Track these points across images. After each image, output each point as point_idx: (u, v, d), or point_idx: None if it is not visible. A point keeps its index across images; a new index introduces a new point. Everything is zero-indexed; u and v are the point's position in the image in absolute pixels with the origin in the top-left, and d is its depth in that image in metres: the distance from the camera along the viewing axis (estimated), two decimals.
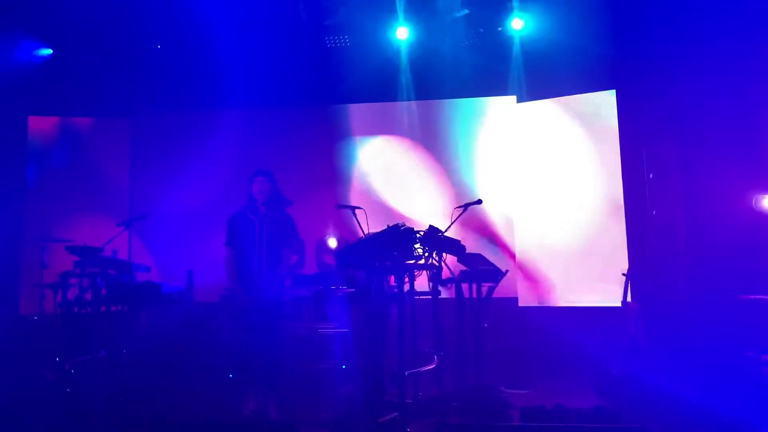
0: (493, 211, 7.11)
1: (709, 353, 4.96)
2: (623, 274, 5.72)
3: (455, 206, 5.24)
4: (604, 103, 6.91)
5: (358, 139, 7.62)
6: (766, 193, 5.22)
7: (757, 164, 5.47)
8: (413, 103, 7.41)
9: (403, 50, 7.28)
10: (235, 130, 7.65)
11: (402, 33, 7.14)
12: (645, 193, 6.44)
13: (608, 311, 6.03)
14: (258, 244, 4.44)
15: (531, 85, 7.11)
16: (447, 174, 7.40)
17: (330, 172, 7.58)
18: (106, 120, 7.67)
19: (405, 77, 7.28)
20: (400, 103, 7.42)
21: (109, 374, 4.51)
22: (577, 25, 6.52)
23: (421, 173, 7.44)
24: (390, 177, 7.49)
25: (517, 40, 7.10)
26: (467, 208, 5.12)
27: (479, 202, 5.24)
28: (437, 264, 4.73)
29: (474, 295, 5.08)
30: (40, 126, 7.52)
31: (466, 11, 6.64)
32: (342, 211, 5.68)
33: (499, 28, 7.07)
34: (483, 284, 5.09)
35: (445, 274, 4.96)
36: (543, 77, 7.04)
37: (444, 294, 5.19)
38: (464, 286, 5.15)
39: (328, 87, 7.37)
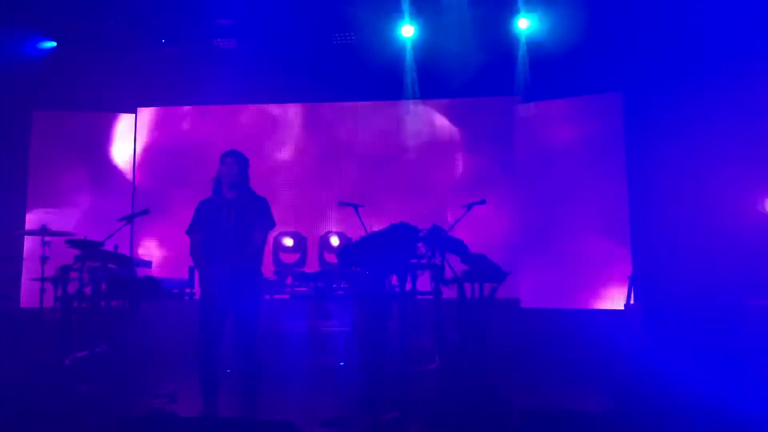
0: (497, 210, 7.06)
1: (714, 357, 4.92)
2: (627, 277, 5.67)
3: (459, 205, 5.20)
4: (610, 104, 6.87)
5: (361, 136, 7.59)
6: None
7: (764, 167, 5.42)
8: (418, 102, 7.38)
9: (409, 48, 7.24)
10: (238, 126, 7.65)
11: (407, 31, 7.11)
12: (649, 195, 6.40)
13: (611, 314, 5.98)
14: (225, 229, 4.05)
15: (536, 85, 7.07)
16: (451, 172, 7.37)
17: (333, 170, 7.55)
18: (109, 114, 7.65)
19: (410, 75, 7.25)
20: (404, 101, 7.38)
21: (108, 369, 4.49)
22: (583, 25, 6.47)
23: (425, 171, 7.41)
24: (393, 175, 7.45)
25: (523, 40, 7.06)
26: (471, 207, 5.08)
27: (483, 201, 5.20)
28: (440, 263, 4.70)
29: (476, 295, 5.04)
30: (44, 120, 7.50)
31: None
32: (344, 208, 5.66)
33: (505, 28, 7.04)
34: (486, 284, 5.05)
35: (448, 273, 4.92)
36: (548, 77, 6.99)
37: (446, 294, 5.15)
38: (467, 286, 5.11)
39: (333, 84, 7.34)
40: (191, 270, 6.15)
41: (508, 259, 6.83)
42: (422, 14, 7.01)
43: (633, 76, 6.64)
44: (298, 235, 7.01)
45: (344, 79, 7.27)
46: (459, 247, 4.81)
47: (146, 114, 7.80)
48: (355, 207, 5.66)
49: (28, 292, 6.09)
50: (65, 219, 6.92)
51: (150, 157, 7.73)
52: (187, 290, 5.64)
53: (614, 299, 6.24)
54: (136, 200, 7.54)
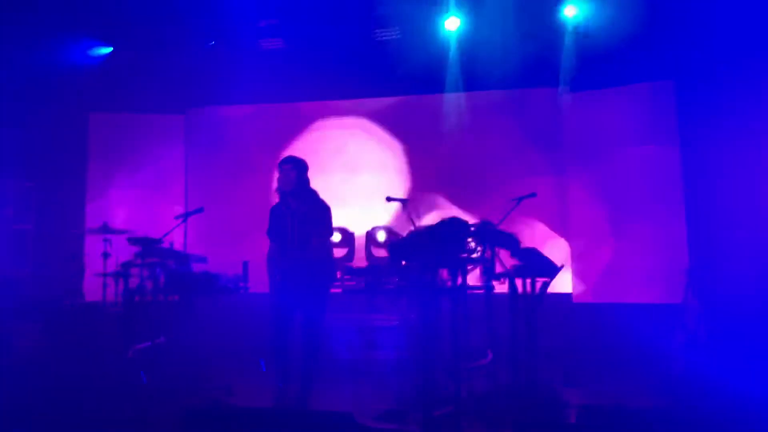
0: (548, 204, 6.96)
1: None
2: (683, 270, 5.52)
3: (509, 199, 5.16)
4: (661, 92, 6.68)
5: (407, 131, 7.60)
6: None
7: None
8: (462, 95, 7.32)
9: (453, 41, 7.20)
10: (286, 123, 7.77)
11: (452, 23, 7.07)
12: (706, 186, 6.21)
13: (667, 308, 5.84)
14: (290, 236, 4.32)
15: (583, 75, 6.92)
16: (499, 166, 7.30)
17: (379, 164, 7.59)
18: (161, 115, 7.88)
19: (455, 68, 7.21)
20: (448, 94, 7.34)
21: (168, 360, 4.65)
22: (632, 11, 6.30)
23: (472, 165, 7.36)
24: (441, 169, 7.44)
25: (569, 29, 6.93)
26: (521, 201, 5.04)
27: (533, 195, 5.15)
28: (490, 258, 4.68)
29: (528, 290, 4.99)
30: (100, 121, 7.78)
31: None
32: (392, 203, 5.70)
33: (552, 16, 6.92)
34: (537, 279, 4.99)
35: (498, 268, 4.89)
36: (596, 66, 6.85)
37: (497, 289, 5.13)
38: (518, 281, 5.06)
39: (377, 80, 7.38)
40: (245, 265, 6.31)
41: (559, 253, 6.78)
42: (466, 6, 6.96)
43: (684, 63, 6.45)
44: (345, 231, 7.08)
45: (389, 73, 7.29)
46: (509, 242, 4.77)
47: (196, 114, 7.99)
48: (403, 202, 5.70)
49: (91, 287, 6.35)
50: (123, 217, 7.19)
51: (201, 156, 7.93)
52: (241, 284, 5.79)
53: (670, 293, 6.09)
54: (189, 198, 7.76)
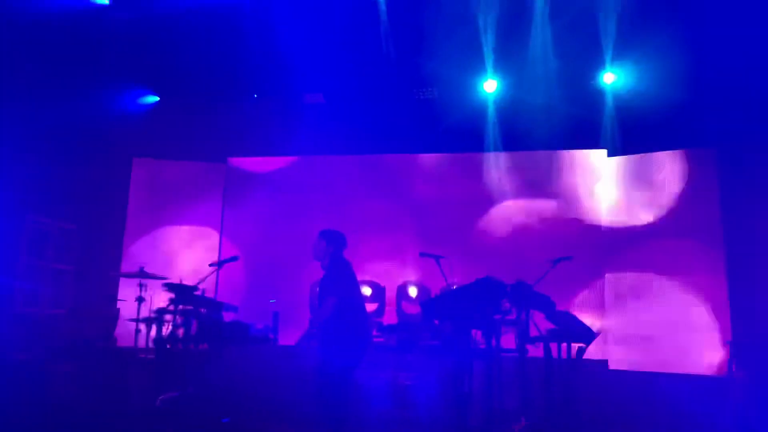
0: (584, 267, 6.83)
1: None
2: (726, 342, 5.32)
3: (544, 260, 5.09)
4: (701, 160, 6.62)
5: (443, 188, 7.61)
6: None
7: None
8: (500, 155, 7.35)
9: (491, 102, 7.31)
10: (322, 177, 7.87)
11: (490, 86, 7.19)
12: (749, 256, 6.04)
13: (709, 380, 5.60)
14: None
15: (623, 139, 6.93)
16: (535, 227, 7.24)
17: (413, 220, 7.58)
18: (202, 163, 8.08)
19: (493, 129, 7.28)
20: (486, 154, 7.38)
21: (197, 410, 4.61)
22: (672, 78, 6.33)
23: (509, 225, 7.31)
24: (476, 228, 7.40)
25: (609, 94, 6.98)
26: (558, 263, 4.96)
27: (570, 258, 5.07)
28: (525, 320, 4.58)
29: (563, 354, 4.85)
30: (143, 167, 8.01)
31: None
32: (425, 259, 5.65)
33: (591, 82, 7.00)
34: (572, 344, 4.86)
35: (533, 331, 4.79)
36: (636, 131, 6.85)
37: (531, 353, 5.00)
38: (552, 345, 4.94)
39: (415, 137, 7.49)
40: (275, 316, 6.31)
41: (596, 318, 6.61)
42: (505, 69, 7.09)
43: (727, 131, 6.40)
44: (377, 285, 7.04)
45: (426, 132, 7.41)
46: (545, 304, 4.69)
47: (236, 164, 8.18)
48: (437, 258, 5.65)
49: (124, 332, 6.40)
50: (158, 263, 7.29)
51: (238, 205, 8.05)
52: (271, 335, 5.77)
53: (709, 366, 5.85)
54: (224, 246, 7.85)
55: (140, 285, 5.91)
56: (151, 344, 5.21)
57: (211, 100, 7.86)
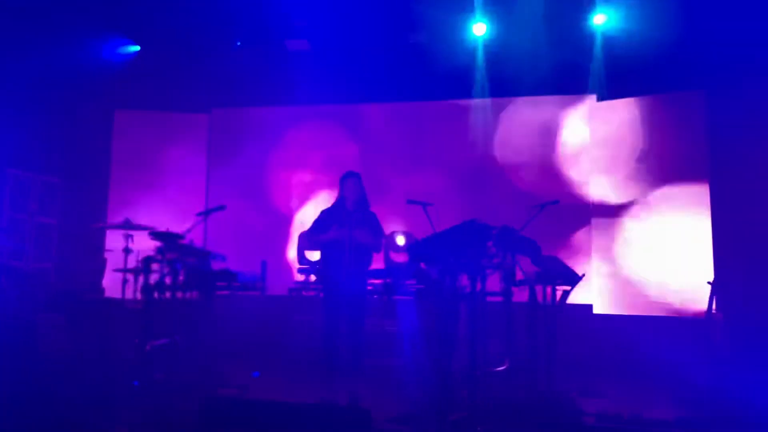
0: (570, 212, 6.87)
1: None
2: (708, 283, 5.39)
3: (531, 206, 5.09)
4: (692, 102, 6.57)
5: (429, 134, 7.56)
6: None
7: None
8: (488, 101, 7.27)
9: (480, 46, 7.17)
10: (307, 126, 7.78)
11: (479, 29, 7.04)
12: (733, 197, 6.08)
13: (690, 321, 5.72)
14: (348, 242, 4.85)
15: (612, 83, 6.85)
16: (523, 173, 7.22)
17: (401, 168, 7.55)
18: (185, 114, 7.95)
19: (481, 74, 7.17)
20: (475, 100, 7.30)
21: (185, 357, 4.66)
22: (663, 20, 6.21)
23: (497, 172, 7.29)
24: (463, 175, 7.38)
25: (599, 36, 6.85)
26: (543, 208, 4.96)
27: (556, 202, 5.07)
28: (510, 264, 4.61)
29: (548, 298, 4.91)
30: (125, 119, 7.88)
31: None
32: (410, 207, 5.64)
33: (580, 24, 6.85)
34: (557, 288, 4.91)
35: (518, 275, 4.82)
36: (625, 75, 6.76)
37: (516, 296, 5.06)
38: (538, 288, 4.99)
39: (401, 84, 7.36)
40: (263, 265, 6.33)
41: (581, 263, 6.69)
42: (494, 12, 6.92)
43: (716, 73, 6.33)
44: None
45: (413, 78, 7.27)
46: (530, 248, 4.70)
47: (220, 114, 8.05)
48: (424, 205, 5.63)
49: (111, 283, 6.41)
50: (143, 213, 7.24)
51: (223, 155, 7.97)
52: (259, 284, 5.79)
53: (693, 306, 5.96)
54: (210, 196, 7.81)
55: (126, 236, 5.87)
56: (138, 294, 5.21)
57: (193, 49, 7.66)
